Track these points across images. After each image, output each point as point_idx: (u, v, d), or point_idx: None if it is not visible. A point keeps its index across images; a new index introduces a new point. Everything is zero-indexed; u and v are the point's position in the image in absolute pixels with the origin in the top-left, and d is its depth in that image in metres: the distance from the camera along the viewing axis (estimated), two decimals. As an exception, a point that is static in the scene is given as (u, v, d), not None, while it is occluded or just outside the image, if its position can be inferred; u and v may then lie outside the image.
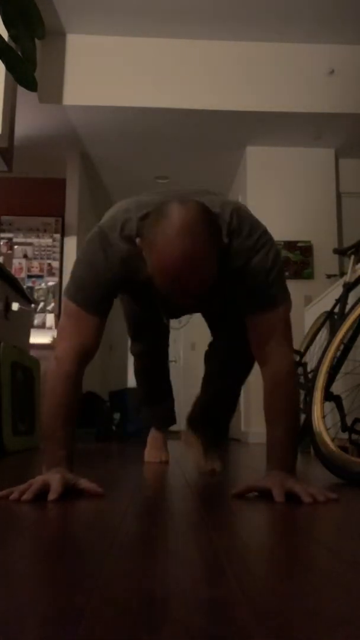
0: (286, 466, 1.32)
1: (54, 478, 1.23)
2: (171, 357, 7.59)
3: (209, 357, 2.05)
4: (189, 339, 7.89)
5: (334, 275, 4.63)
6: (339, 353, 2.02)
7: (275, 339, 1.42)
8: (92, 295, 1.46)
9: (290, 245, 4.81)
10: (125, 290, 1.71)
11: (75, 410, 1.43)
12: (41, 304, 5.08)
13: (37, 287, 5.10)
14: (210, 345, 2.07)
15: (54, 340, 1.60)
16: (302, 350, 2.92)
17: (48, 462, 1.33)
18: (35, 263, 5.16)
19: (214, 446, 1.99)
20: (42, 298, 5.08)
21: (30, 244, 5.19)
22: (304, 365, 2.84)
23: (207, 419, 2.02)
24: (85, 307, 1.45)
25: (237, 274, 1.45)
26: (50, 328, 5.04)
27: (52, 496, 1.16)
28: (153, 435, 2.38)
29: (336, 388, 2.62)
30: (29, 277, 5.13)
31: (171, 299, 1.31)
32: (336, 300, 2.52)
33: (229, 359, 1.97)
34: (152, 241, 1.23)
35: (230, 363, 1.97)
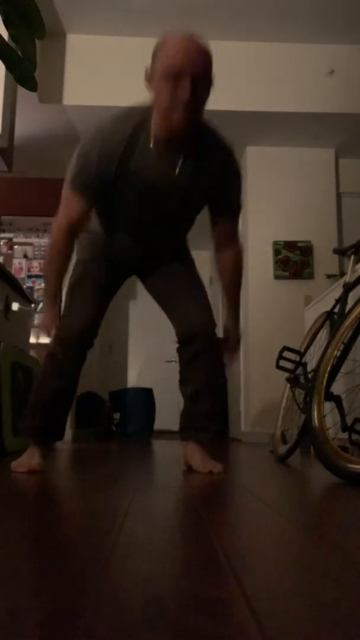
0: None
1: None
2: (171, 357, 7.53)
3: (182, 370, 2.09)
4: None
5: (334, 275, 4.63)
6: (339, 353, 2.02)
7: (233, 236, 2.00)
8: (82, 178, 1.79)
9: (290, 245, 4.81)
10: (112, 180, 1.81)
11: (65, 265, 1.95)
12: (41, 304, 5.07)
13: (37, 287, 5.10)
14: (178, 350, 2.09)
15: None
16: (302, 350, 2.92)
17: (47, 298, 1.99)
18: (35, 263, 5.16)
19: (205, 450, 2.02)
20: (42, 298, 5.08)
21: (30, 244, 5.19)
22: (304, 365, 2.84)
23: (198, 419, 2.03)
24: (73, 188, 1.81)
25: (221, 168, 1.85)
26: (50, 328, 5.03)
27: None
28: (30, 451, 1.95)
29: (336, 388, 2.62)
30: (29, 277, 5.13)
31: (167, 103, 1.61)
32: (336, 300, 2.52)
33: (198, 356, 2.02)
34: (159, 48, 1.64)
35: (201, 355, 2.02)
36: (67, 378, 2.02)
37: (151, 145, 1.75)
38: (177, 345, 2.07)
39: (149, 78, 1.67)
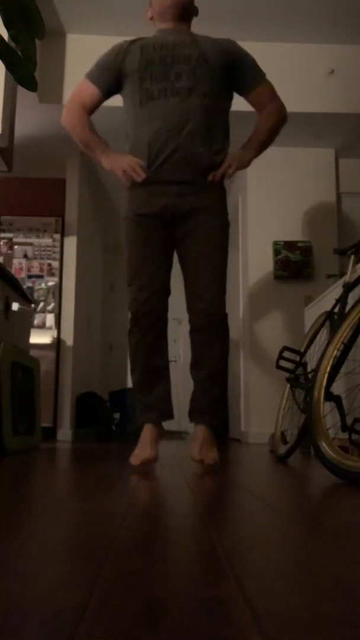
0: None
1: (128, 160, 2.13)
2: (171, 357, 7.52)
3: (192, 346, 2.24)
4: (189, 339, 7.89)
5: (334, 275, 4.63)
6: (338, 353, 2.02)
7: (270, 96, 2.29)
8: (98, 69, 2.26)
9: (290, 245, 4.81)
10: (124, 67, 2.20)
11: (88, 132, 2.23)
12: (41, 304, 5.07)
13: (37, 287, 5.10)
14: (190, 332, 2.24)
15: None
16: (302, 350, 2.93)
17: (101, 148, 2.22)
18: (35, 263, 5.15)
19: (213, 437, 2.17)
20: (42, 298, 5.08)
21: (30, 244, 5.19)
22: (304, 365, 2.84)
23: (205, 400, 2.16)
24: (89, 77, 2.27)
25: (228, 52, 2.22)
26: (50, 328, 5.04)
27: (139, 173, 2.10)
28: (144, 433, 2.16)
29: (336, 388, 2.62)
30: (29, 277, 5.13)
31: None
32: (336, 300, 2.52)
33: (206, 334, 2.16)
34: None
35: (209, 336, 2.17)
36: (153, 349, 2.17)
37: (160, 32, 2.24)
38: (189, 328, 2.21)
39: (149, 8, 2.29)
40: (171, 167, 2.11)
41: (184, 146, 2.09)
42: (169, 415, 2.19)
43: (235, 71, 2.23)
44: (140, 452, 2.07)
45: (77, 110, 2.23)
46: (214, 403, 2.16)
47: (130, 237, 2.20)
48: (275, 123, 2.27)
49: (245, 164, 2.21)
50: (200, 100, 2.11)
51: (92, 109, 2.26)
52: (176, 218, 2.18)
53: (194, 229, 2.16)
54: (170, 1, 2.20)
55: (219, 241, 2.18)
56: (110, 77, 2.23)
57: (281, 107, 2.29)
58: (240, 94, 2.29)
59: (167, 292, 2.21)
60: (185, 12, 2.25)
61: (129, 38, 2.32)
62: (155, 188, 2.15)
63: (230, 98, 2.30)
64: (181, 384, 6.88)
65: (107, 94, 2.27)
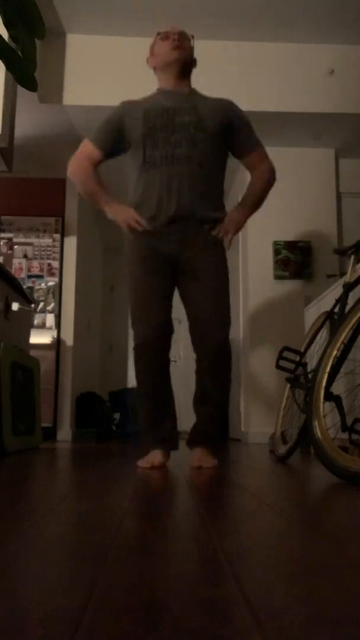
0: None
1: (130, 213, 2.29)
2: (171, 357, 7.61)
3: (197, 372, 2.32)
4: (189, 338, 7.89)
5: (334, 275, 4.63)
6: (339, 353, 2.02)
7: (261, 160, 2.44)
8: (100, 133, 2.35)
9: (290, 245, 4.81)
10: (127, 132, 2.31)
11: (93, 183, 2.36)
12: (41, 304, 5.07)
13: (37, 287, 5.10)
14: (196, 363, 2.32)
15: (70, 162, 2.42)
16: (302, 350, 2.92)
17: (105, 199, 2.33)
18: (35, 263, 5.15)
19: (212, 447, 2.30)
20: (42, 298, 5.08)
21: (30, 244, 5.19)
22: (304, 365, 2.84)
23: (207, 434, 2.29)
24: (92, 140, 2.36)
25: (225, 116, 2.32)
26: (50, 328, 5.04)
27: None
28: (153, 453, 2.26)
29: (336, 388, 2.62)
30: (29, 277, 5.13)
31: (164, 52, 2.32)
32: (336, 300, 2.52)
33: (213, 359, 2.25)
34: (154, 41, 2.39)
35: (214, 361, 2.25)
36: (158, 382, 2.26)
37: (161, 94, 2.34)
38: (195, 366, 2.30)
39: (151, 56, 2.40)
40: (175, 222, 2.24)
41: (185, 207, 2.23)
42: (175, 447, 2.33)
43: (232, 134, 2.36)
44: (151, 459, 2.19)
45: (83, 163, 2.35)
46: (214, 432, 2.31)
47: (135, 279, 2.28)
48: (266, 182, 2.42)
49: (241, 226, 2.35)
50: (198, 168, 2.25)
51: (97, 164, 2.38)
52: (181, 260, 2.29)
53: (198, 269, 2.26)
54: (172, 58, 2.31)
55: (220, 277, 2.28)
56: (114, 140, 2.34)
57: (271, 168, 2.45)
58: (234, 155, 2.43)
59: (171, 330, 2.29)
60: (186, 69, 2.37)
61: (127, 99, 2.41)
62: (161, 237, 2.26)
63: (226, 159, 2.41)
64: (181, 383, 6.88)
65: (110, 155, 2.39)
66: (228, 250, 2.34)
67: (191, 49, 2.38)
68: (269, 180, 2.43)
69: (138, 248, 2.29)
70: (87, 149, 2.36)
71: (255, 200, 2.40)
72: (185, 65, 2.35)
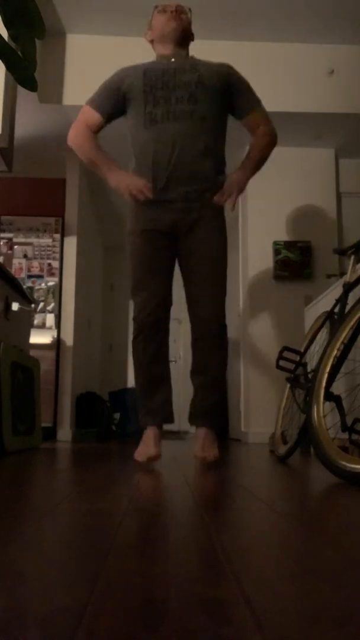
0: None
1: (133, 180, 2.19)
2: (171, 357, 7.51)
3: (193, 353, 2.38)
4: (189, 339, 7.89)
5: (334, 275, 4.63)
6: (339, 353, 2.02)
7: (262, 121, 2.42)
8: (98, 96, 2.35)
9: (290, 245, 4.81)
10: (126, 92, 2.31)
11: (95, 151, 2.31)
12: (41, 304, 5.07)
13: (37, 287, 5.10)
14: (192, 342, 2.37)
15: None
16: (302, 350, 2.92)
17: (107, 166, 2.26)
18: (35, 263, 5.15)
19: (214, 436, 2.32)
20: (42, 298, 5.08)
21: (30, 244, 5.19)
22: (304, 365, 2.84)
23: (205, 406, 2.30)
24: (91, 104, 2.36)
25: (225, 77, 2.34)
26: (50, 328, 5.04)
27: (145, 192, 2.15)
28: (147, 433, 2.31)
29: (336, 388, 2.62)
30: (29, 277, 5.13)
31: (162, 24, 2.35)
32: (336, 300, 2.52)
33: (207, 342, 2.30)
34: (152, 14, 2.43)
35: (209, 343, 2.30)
36: (156, 358, 2.28)
37: (161, 57, 2.37)
38: (191, 337, 2.35)
39: (149, 30, 2.43)
40: (176, 185, 2.24)
41: (187, 164, 2.22)
42: (170, 418, 2.32)
43: (232, 95, 2.37)
44: (145, 450, 2.21)
45: (83, 130, 2.34)
46: (213, 407, 2.32)
47: (135, 250, 2.30)
48: (267, 144, 2.42)
49: (244, 187, 2.34)
50: (200, 123, 2.25)
51: (96, 131, 2.37)
52: (181, 232, 2.30)
53: (197, 243, 2.29)
54: (170, 27, 2.35)
55: (220, 254, 2.31)
56: (113, 102, 2.34)
57: (272, 130, 2.44)
58: (235, 116, 2.43)
59: (170, 303, 2.32)
60: (185, 37, 2.40)
61: (127, 64, 2.43)
62: (162, 205, 2.26)
63: (227, 119, 2.42)
64: (181, 384, 6.88)
65: (110, 118, 2.37)
66: (232, 211, 2.36)
67: (189, 21, 2.41)
68: (270, 141, 2.43)
69: (139, 220, 2.30)
70: (85, 114, 2.36)
71: (256, 162, 2.39)
72: (183, 34, 2.37)
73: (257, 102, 2.43)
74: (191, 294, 2.31)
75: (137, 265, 2.29)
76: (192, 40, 2.45)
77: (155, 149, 2.22)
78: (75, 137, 2.35)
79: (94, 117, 2.34)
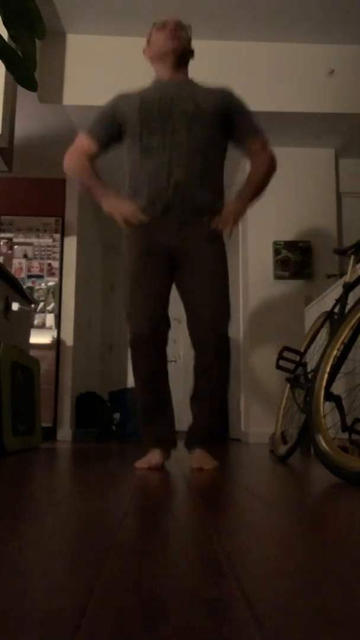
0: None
1: (126, 207, 2.21)
2: (171, 357, 7.53)
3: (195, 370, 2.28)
4: (189, 339, 7.88)
5: (334, 275, 4.63)
6: (339, 353, 2.02)
7: (262, 149, 2.38)
8: (95, 124, 2.34)
9: (290, 245, 4.81)
10: (123, 121, 2.29)
11: (89, 175, 2.32)
12: (41, 304, 5.07)
13: (37, 287, 5.10)
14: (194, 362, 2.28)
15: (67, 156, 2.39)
16: (302, 350, 2.92)
17: (101, 192, 2.27)
18: (35, 263, 5.15)
19: (210, 448, 2.25)
20: (42, 298, 5.08)
21: (30, 244, 5.19)
22: (304, 365, 2.84)
23: (204, 435, 2.24)
24: (87, 133, 2.35)
25: (224, 104, 2.29)
26: (50, 328, 5.04)
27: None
28: (153, 453, 2.21)
29: (336, 388, 2.62)
30: (29, 277, 5.13)
31: (160, 42, 2.29)
32: (336, 300, 2.52)
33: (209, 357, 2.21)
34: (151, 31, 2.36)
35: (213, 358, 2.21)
36: (156, 377, 2.20)
37: (158, 83, 2.32)
38: (194, 362, 2.26)
39: (147, 46, 2.37)
40: (172, 215, 2.20)
41: (183, 195, 2.18)
42: (174, 445, 2.27)
43: (231, 122, 2.32)
44: (148, 458, 2.15)
45: (77, 157, 2.32)
46: (211, 433, 2.27)
47: (131, 270, 2.22)
48: (266, 172, 2.38)
49: (241, 215, 2.30)
50: (197, 153, 2.21)
51: (93, 159, 2.34)
52: (178, 257, 2.25)
53: (195, 261, 2.22)
54: (169, 47, 2.28)
55: (220, 270, 2.23)
56: (109, 132, 2.32)
57: (271, 158, 2.39)
58: (233, 143, 2.38)
59: (167, 325, 2.23)
60: (184, 59, 2.34)
61: (124, 90, 2.36)
62: (158, 231, 2.21)
63: (226, 148, 2.37)
64: (181, 384, 6.88)
65: (106, 147, 2.35)
66: (229, 239, 2.32)
67: (188, 39, 2.35)
68: (269, 169, 2.38)
69: (134, 243, 2.23)
70: (81, 141, 2.34)
71: (254, 190, 2.35)
72: (181, 55, 2.32)
73: (257, 130, 2.37)
74: (192, 315, 2.22)
75: (133, 285, 2.21)
76: (192, 57, 2.39)
77: (151, 179, 2.19)
78: (71, 163, 2.34)
79: (91, 147, 2.32)
